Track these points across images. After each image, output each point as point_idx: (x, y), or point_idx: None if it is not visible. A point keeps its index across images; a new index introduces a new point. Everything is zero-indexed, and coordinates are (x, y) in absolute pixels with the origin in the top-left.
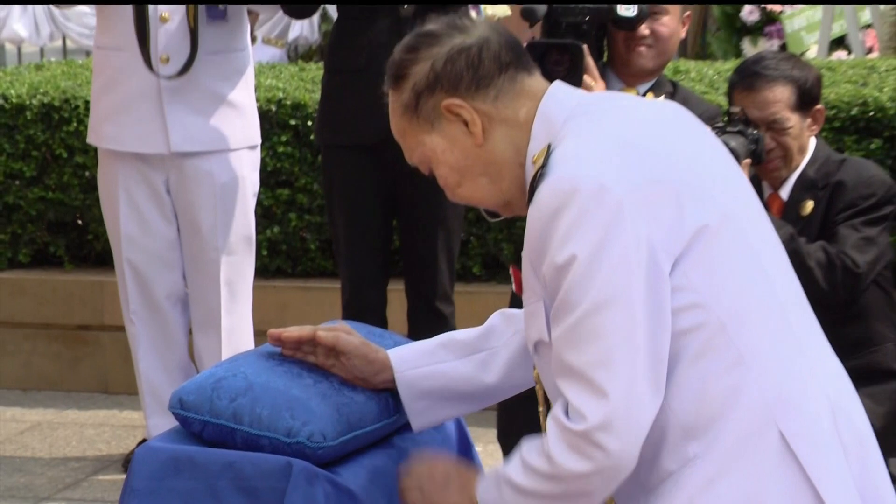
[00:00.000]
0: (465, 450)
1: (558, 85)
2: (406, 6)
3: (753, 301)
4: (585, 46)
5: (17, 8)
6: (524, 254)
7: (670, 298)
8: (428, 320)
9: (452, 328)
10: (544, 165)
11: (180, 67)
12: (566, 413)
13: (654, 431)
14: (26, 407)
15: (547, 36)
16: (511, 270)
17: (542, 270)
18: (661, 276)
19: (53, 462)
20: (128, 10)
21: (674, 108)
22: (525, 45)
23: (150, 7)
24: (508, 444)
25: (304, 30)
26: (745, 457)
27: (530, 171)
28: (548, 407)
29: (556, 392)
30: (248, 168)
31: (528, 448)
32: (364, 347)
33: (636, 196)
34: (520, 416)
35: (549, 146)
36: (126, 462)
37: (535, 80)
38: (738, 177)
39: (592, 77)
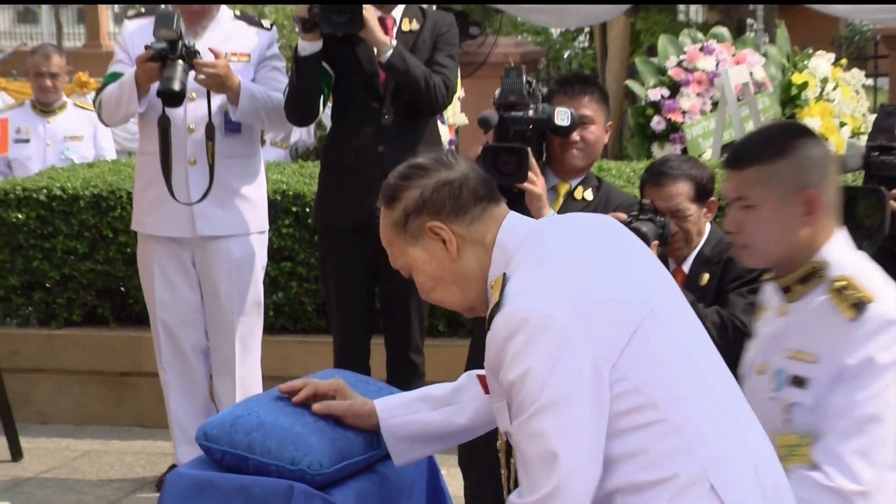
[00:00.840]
0: (433, 475)
1: (512, 216)
2: (387, 116)
3: (681, 379)
4: (529, 149)
5: None
6: (486, 366)
7: (609, 394)
8: (403, 368)
9: (422, 375)
10: (500, 298)
11: (201, 196)
12: (519, 494)
13: (607, 494)
14: (78, 438)
15: (498, 140)
16: (478, 378)
17: (499, 379)
18: (601, 381)
19: (100, 483)
20: (152, 115)
21: (603, 220)
22: (481, 148)
23: (179, 120)
24: (469, 469)
25: (303, 135)
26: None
27: (490, 294)
28: (509, 470)
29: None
30: (258, 247)
31: None
32: (353, 408)
33: (577, 320)
34: (480, 445)
35: (504, 276)
36: (159, 484)
37: (501, 209)
38: (657, 268)
39: (535, 174)
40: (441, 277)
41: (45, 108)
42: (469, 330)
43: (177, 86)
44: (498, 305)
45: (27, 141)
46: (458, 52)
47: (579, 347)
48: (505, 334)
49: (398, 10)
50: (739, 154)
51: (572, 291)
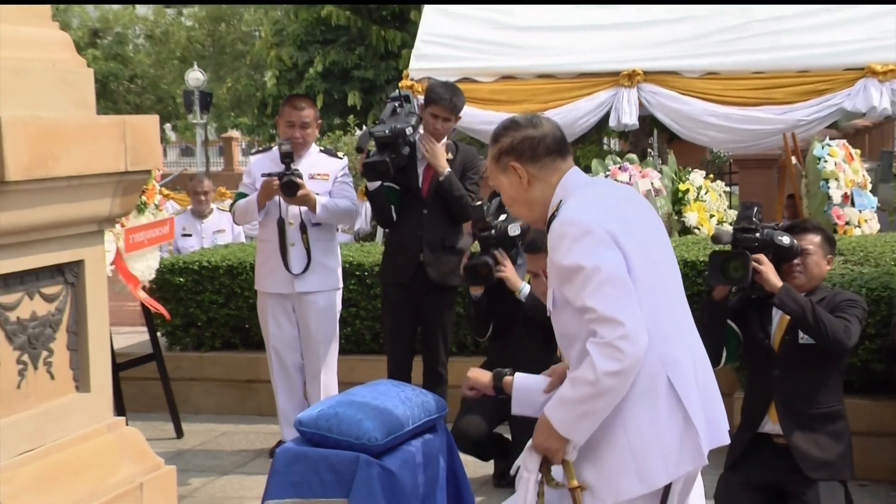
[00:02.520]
0: (450, 447)
1: (575, 170)
2: (425, 212)
3: (656, 301)
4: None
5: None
6: (548, 261)
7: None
8: (432, 377)
9: (446, 381)
10: (556, 212)
11: (303, 269)
12: (595, 336)
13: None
14: (219, 423)
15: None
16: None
17: (554, 263)
18: (624, 270)
19: (233, 453)
20: (274, 222)
21: (632, 190)
22: None
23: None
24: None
25: (362, 224)
26: (649, 394)
27: (548, 214)
28: None
29: (567, 341)
30: (335, 299)
31: (572, 374)
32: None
33: (602, 236)
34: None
35: (560, 202)
36: (271, 453)
37: (567, 163)
38: (653, 226)
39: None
40: (516, 199)
41: (199, 214)
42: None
43: (295, 181)
44: (554, 216)
45: (189, 235)
46: (480, 174)
47: (612, 248)
48: (559, 232)
49: (440, 145)
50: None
51: (605, 219)
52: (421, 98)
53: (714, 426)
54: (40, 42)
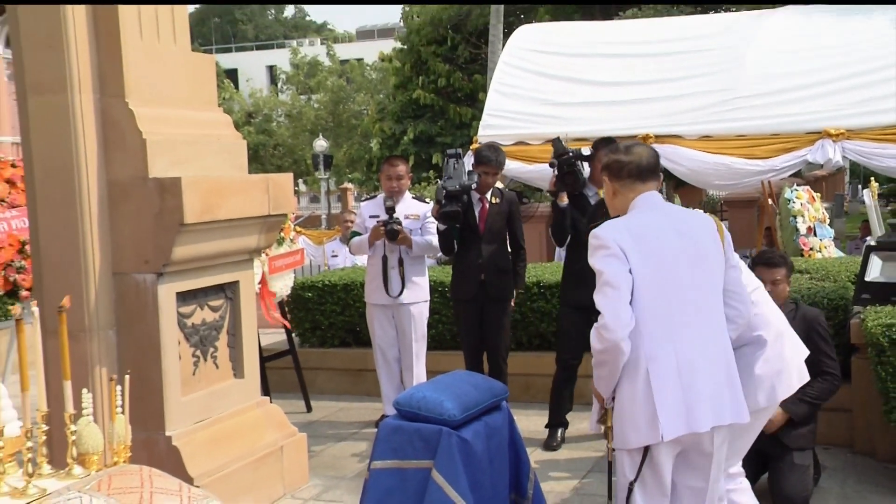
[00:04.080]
0: (511, 420)
1: (649, 195)
2: (483, 245)
3: (652, 307)
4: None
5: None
6: None
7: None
8: (496, 369)
9: (507, 374)
10: (602, 222)
11: (398, 293)
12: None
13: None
14: (338, 402)
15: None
16: None
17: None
18: (629, 282)
19: (349, 424)
20: (379, 257)
21: (684, 220)
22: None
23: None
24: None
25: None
26: (631, 375)
27: None
28: None
29: None
30: (424, 308)
31: None
32: None
33: (615, 250)
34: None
35: (615, 217)
36: (376, 424)
37: (645, 185)
38: (687, 256)
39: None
40: (607, 202)
41: (345, 240)
42: (537, 345)
43: (396, 228)
44: (598, 224)
45: (336, 256)
46: (521, 215)
47: (620, 260)
48: (591, 239)
49: (489, 193)
50: None
51: (628, 240)
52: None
53: (691, 416)
54: (210, 122)
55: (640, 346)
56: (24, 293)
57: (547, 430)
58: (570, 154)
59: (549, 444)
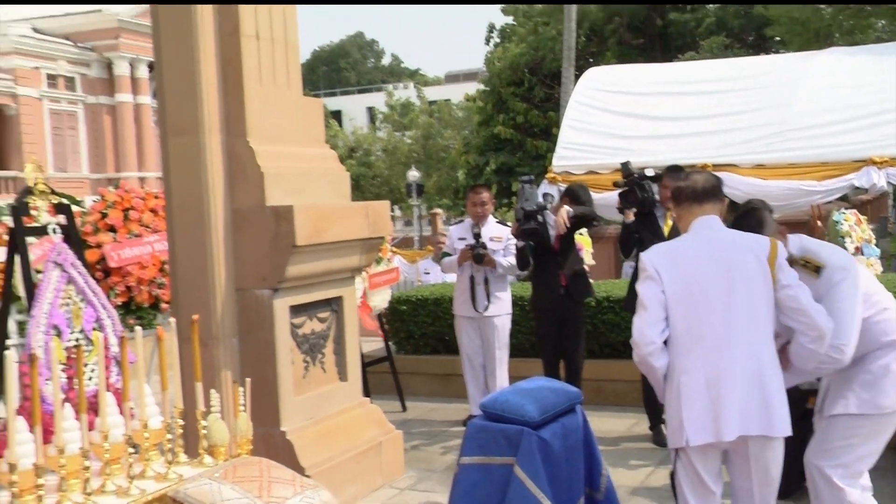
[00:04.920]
0: (585, 421)
1: (706, 218)
2: (558, 257)
3: (685, 325)
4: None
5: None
6: None
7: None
8: (572, 374)
9: (582, 378)
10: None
11: (483, 309)
12: None
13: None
14: (430, 403)
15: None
16: None
17: None
18: (662, 301)
19: (439, 422)
20: (467, 277)
21: (731, 245)
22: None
23: (475, 279)
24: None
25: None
26: (669, 384)
27: None
28: None
29: None
30: (507, 321)
31: None
32: None
33: (651, 273)
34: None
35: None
36: (464, 423)
37: (702, 208)
38: (728, 279)
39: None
40: (677, 225)
41: (437, 259)
42: (607, 354)
43: (482, 252)
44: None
45: (428, 273)
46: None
47: (655, 284)
48: (639, 261)
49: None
50: None
51: (665, 263)
52: (561, 185)
53: (718, 426)
54: (318, 157)
55: (674, 359)
56: (163, 306)
57: (651, 431)
58: (636, 175)
59: (659, 441)
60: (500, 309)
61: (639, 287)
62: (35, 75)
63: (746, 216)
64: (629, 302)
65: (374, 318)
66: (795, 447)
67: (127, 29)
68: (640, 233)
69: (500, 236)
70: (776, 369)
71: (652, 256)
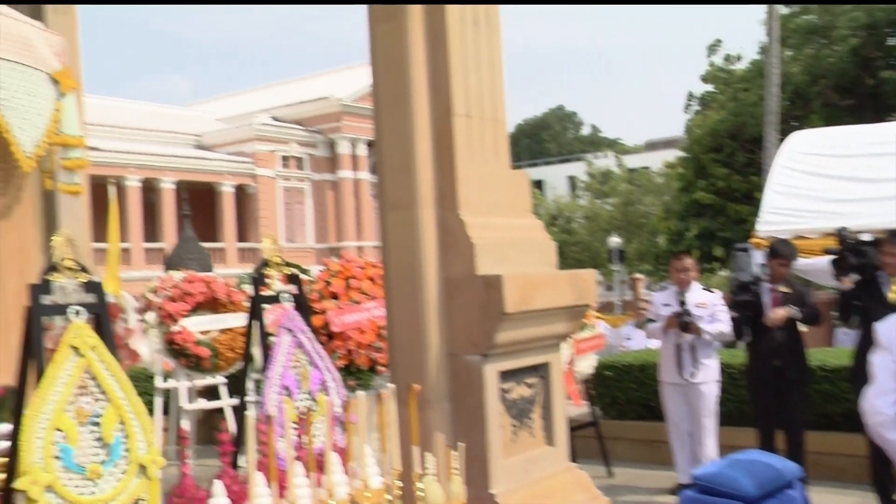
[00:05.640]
0: (805, 499)
1: None
2: (773, 330)
3: None
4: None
5: None
6: None
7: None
8: (793, 447)
9: (805, 452)
10: None
11: (690, 375)
12: None
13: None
14: (636, 469)
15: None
16: None
17: None
18: (891, 373)
19: (644, 489)
20: (672, 344)
21: None
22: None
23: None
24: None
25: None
26: None
27: None
28: None
29: None
30: (715, 387)
31: None
32: None
33: (884, 344)
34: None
35: None
36: (671, 491)
37: None
38: None
39: None
40: None
41: (639, 325)
42: (823, 426)
43: (687, 321)
44: None
45: (630, 339)
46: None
47: (887, 355)
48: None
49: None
50: None
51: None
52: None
53: None
54: (525, 227)
55: None
56: (380, 368)
57: None
58: (851, 241)
59: None
60: (708, 376)
61: (871, 357)
62: (271, 157)
63: None
64: (855, 373)
65: (580, 382)
66: None
67: (349, 112)
68: (862, 300)
69: (705, 303)
70: None
71: (885, 327)
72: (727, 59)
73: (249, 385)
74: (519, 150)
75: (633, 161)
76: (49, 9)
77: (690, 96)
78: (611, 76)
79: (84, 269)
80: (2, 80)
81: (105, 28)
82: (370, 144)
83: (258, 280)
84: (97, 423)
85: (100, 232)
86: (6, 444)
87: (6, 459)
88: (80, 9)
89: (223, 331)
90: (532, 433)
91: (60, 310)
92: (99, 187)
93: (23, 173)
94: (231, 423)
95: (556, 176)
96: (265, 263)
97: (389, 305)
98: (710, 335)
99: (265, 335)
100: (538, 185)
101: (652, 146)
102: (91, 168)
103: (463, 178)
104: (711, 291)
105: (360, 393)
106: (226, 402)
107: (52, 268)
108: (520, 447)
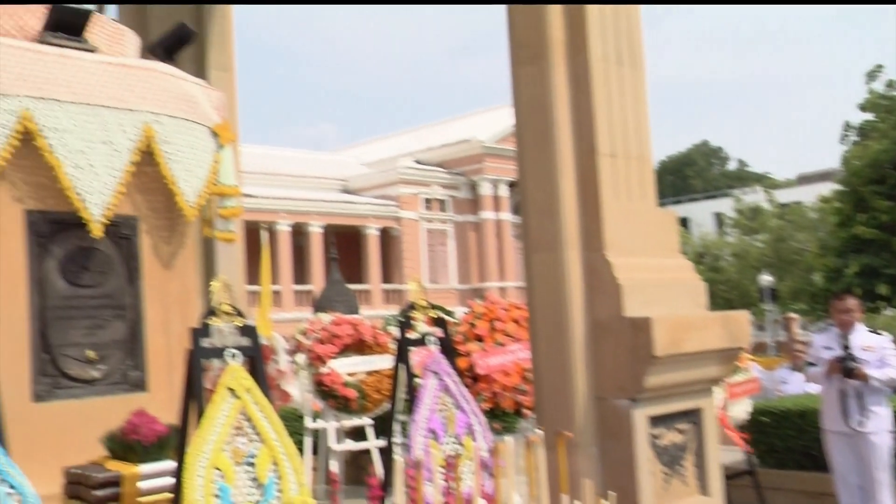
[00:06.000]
0: None
1: None
2: None
3: None
4: None
5: None
6: None
7: None
8: None
9: None
10: None
11: (857, 424)
12: None
13: None
14: None
15: None
16: None
17: None
18: None
19: None
20: (835, 389)
21: None
22: None
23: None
24: None
25: None
26: None
27: None
28: None
29: None
30: (887, 438)
31: None
32: None
33: None
34: None
35: None
36: None
37: None
38: None
39: None
40: None
41: (797, 368)
42: None
43: (850, 366)
44: None
45: (786, 383)
46: None
47: None
48: None
49: None
50: None
51: None
52: None
53: None
54: (673, 267)
55: None
56: (525, 411)
57: None
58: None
59: None
60: (878, 425)
61: None
62: (414, 200)
63: None
64: None
65: (735, 429)
66: None
67: (490, 154)
68: None
69: (872, 346)
70: None
71: None
72: (889, 85)
73: (396, 427)
74: (663, 187)
75: (784, 196)
76: (211, 66)
77: (847, 126)
78: (757, 108)
79: (240, 314)
80: (169, 136)
81: (262, 80)
82: (512, 185)
83: (404, 323)
84: (252, 463)
85: (253, 275)
86: (171, 480)
87: (172, 496)
88: (238, 64)
89: (369, 372)
90: (685, 481)
91: (218, 352)
92: (252, 232)
93: (186, 222)
94: (378, 465)
95: (701, 213)
96: (411, 306)
97: (535, 348)
98: (879, 382)
99: (411, 377)
100: (683, 222)
101: (805, 179)
102: (245, 214)
103: (608, 218)
104: (879, 334)
105: (509, 439)
106: (372, 443)
107: (211, 312)
108: (672, 496)
